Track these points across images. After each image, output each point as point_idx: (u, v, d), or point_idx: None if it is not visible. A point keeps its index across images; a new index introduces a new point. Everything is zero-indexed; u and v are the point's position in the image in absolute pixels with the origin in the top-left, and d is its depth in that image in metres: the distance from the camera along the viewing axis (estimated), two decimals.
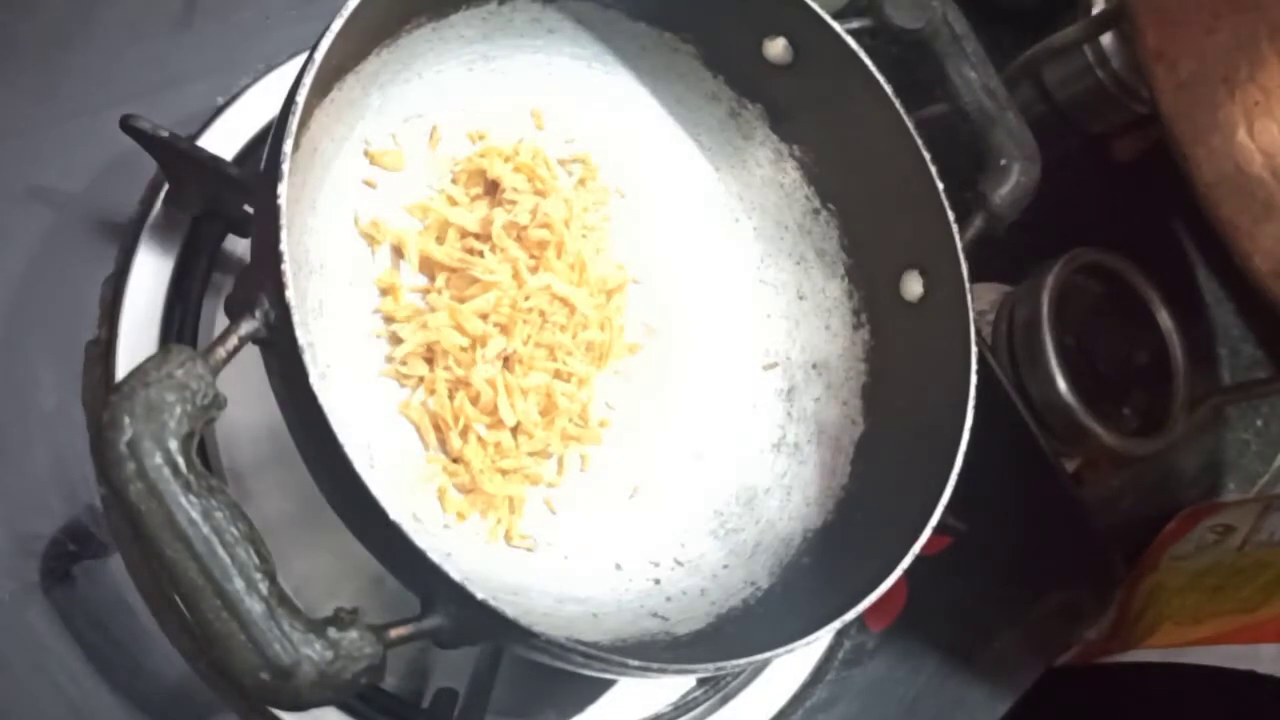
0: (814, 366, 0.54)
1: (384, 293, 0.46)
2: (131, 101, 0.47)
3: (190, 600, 0.31)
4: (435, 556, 0.34)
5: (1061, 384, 0.63)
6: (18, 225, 0.48)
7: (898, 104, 0.49)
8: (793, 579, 0.48)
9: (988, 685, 0.61)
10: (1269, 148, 0.58)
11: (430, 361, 0.46)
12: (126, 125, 0.45)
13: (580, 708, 0.51)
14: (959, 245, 0.48)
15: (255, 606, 0.31)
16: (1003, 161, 0.52)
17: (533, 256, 0.49)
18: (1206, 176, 0.58)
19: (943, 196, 0.48)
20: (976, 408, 0.45)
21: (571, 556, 0.47)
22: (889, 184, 0.50)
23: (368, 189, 0.47)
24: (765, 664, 0.55)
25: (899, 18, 0.51)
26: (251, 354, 0.36)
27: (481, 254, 0.48)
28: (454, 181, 0.49)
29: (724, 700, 0.55)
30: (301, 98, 0.37)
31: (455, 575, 0.34)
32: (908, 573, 0.42)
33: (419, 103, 0.49)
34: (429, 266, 0.47)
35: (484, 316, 0.47)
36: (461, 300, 0.47)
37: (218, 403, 0.33)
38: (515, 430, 0.47)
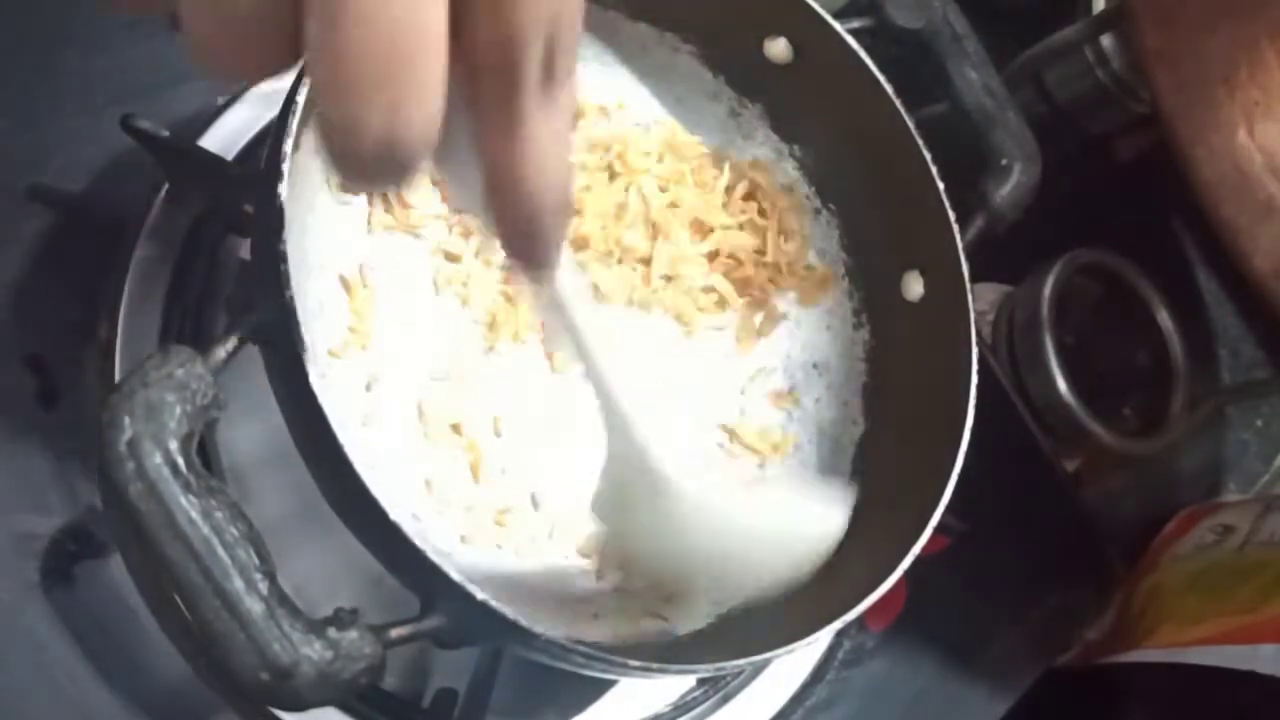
0: (814, 366, 0.54)
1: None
2: (131, 101, 0.47)
3: (190, 600, 0.31)
4: (435, 556, 0.34)
5: (1061, 384, 0.63)
6: (18, 225, 0.48)
7: (898, 104, 0.49)
8: None
9: (988, 685, 0.61)
10: (1269, 148, 0.58)
11: None
12: (126, 125, 0.45)
13: (580, 708, 0.51)
14: (959, 245, 0.48)
15: (255, 606, 0.31)
16: (1003, 161, 0.52)
17: None
18: (1206, 176, 0.58)
19: (943, 196, 0.48)
20: (976, 408, 0.45)
21: (572, 556, 0.47)
22: (889, 184, 0.50)
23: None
24: (765, 664, 0.55)
25: (899, 17, 0.51)
26: (252, 354, 0.36)
27: None
28: None
29: (724, 700, 0.55)
30: (302, 98, 0.37)
31: (455, 575, 0.34)
32: (908, 573, 0.42)
33: None
34: None
35: None
36: None
37: (217, 403, 0.33)
38: None
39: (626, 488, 0.38)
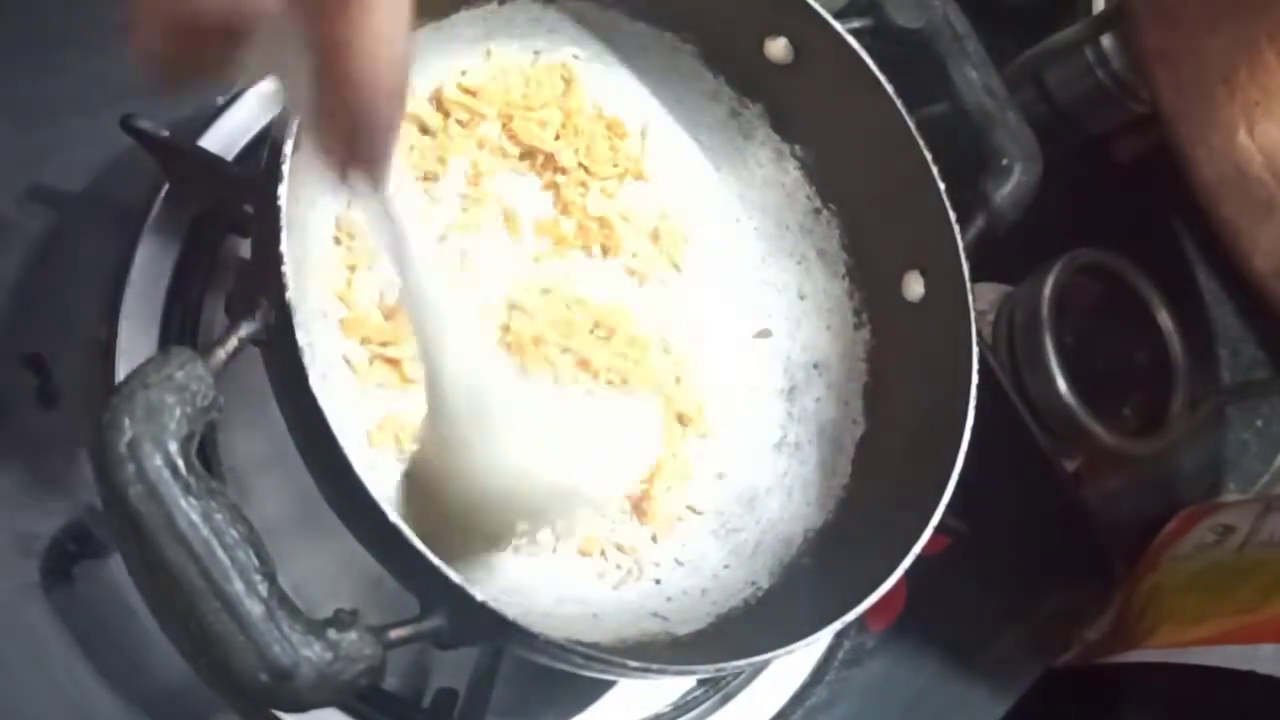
0: (815, 366, 0.54)
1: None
2: (131, 101, 0.47)
3: (190, 602, 0.31)
4: (435, 558, 0.34)
5: (1061, 384, 0.63)
6: (18, 225, 0.48)
7: (899, 104, 0.49)
8: (793, 579, 0.48)
9: (988, 685, 0.61)
10: (1269, 148, 0.58)
11: None
12: (126, 125, 0.45)
13: (580, 708, 0.51)
14: (960, 245, 0.48)
15: (255, 608, 0.31)
16: (1004, 161, 0.52)
17: None
18: (1206, 176, 0.58)
19: (943, 196, 0.48)
20: (976, 408, 0.45)
21: (571, 556, 0.47)
22: (890, 184, 0.50)
23: None
24: (765, 664, 0.55)
25: (900, 17, 0.51)
26: (252, 355, 0.36)
27: None
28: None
29: (724, 700, 0.54)
30: None
31: (455, 576, 0.34)
32: (908, 573, 0.42)
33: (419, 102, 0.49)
34: None
35: None
36: None
37: (217, 404, 0.33)
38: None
39: (448, 430, 0.38)
